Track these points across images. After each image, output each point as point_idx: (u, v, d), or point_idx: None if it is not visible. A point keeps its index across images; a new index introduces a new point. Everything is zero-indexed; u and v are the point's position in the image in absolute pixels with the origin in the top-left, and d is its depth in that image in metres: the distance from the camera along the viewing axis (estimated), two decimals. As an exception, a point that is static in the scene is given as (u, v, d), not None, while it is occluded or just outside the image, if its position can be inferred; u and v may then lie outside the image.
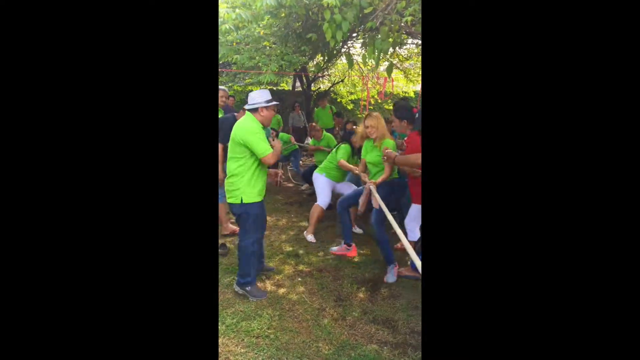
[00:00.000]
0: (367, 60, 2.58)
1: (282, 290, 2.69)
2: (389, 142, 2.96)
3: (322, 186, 3.72)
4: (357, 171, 3.28)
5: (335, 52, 5.19)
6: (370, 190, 2.77)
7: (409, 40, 7.35)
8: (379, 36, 2.39)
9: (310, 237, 3.71)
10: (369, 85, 8.73)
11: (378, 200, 2.58)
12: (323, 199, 3.69)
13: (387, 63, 8.45)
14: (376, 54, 2.42)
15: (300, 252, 3.38)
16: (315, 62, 6.65)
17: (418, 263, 1.40)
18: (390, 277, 2.89)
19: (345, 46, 5.79)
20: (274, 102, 2.50)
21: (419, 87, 10.02)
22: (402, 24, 2.20)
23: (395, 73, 9.27)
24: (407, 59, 8.75)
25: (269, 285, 2.76)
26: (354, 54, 6.55)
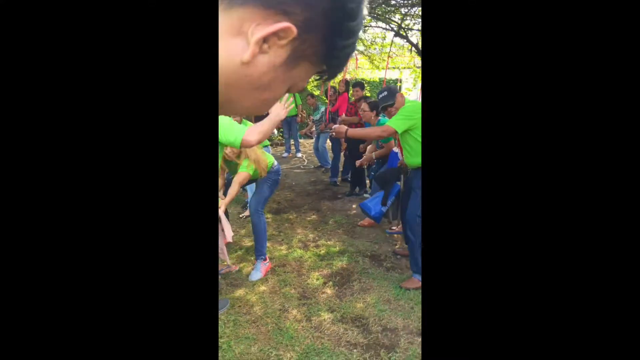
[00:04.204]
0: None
1: (239, 292, 2.38)
2: (246, 161, 2.40)
3: None
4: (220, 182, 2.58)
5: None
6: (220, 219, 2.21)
7: (373, 23, 7.17)
8: None
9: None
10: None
11: (225, 229, 2.11)
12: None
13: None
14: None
15: (262, 246, 3.08)
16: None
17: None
18: (255, 273, 2.54)
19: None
20: None
21: (384, 74, 9.90)
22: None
23: (360, 58, 9.08)
24: (372, 44, 8.55)
25: (224, 287, 2.45)
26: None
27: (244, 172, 2.37)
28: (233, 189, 2.34)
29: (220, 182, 2.57)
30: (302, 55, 0.34)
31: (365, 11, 0.36)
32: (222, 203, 2.28)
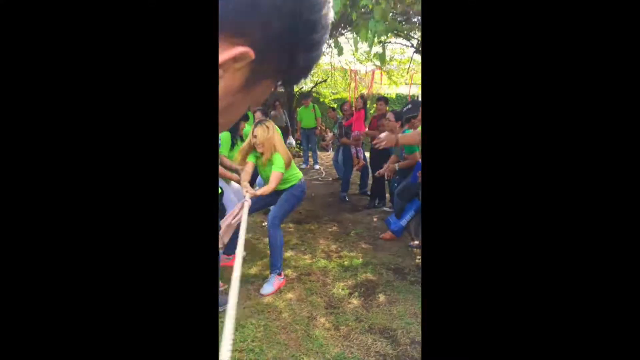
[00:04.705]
0: (358, 45, 2.35)
1: (267, 298, 2.43)
2: (278, 159, 2.45)
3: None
4: (233, 177, 2.67)
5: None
6: (243, 206, 2.12)
7: (393, 40, 7.29)
8: (374, 16, 2.18)
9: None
10: (353, 86, 8.58)
11: (242, 221, 1.95)
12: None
13: (371, 64, 8.44)
14: (370, 36, 2.20)
15: (286, 255, 3.12)
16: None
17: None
18: (268, 287, 2.51)
19: (333, 34, 5.49)
20: None
21: (401, 90, 10.00)
22: (399, 5, 2.01)
23: (378, 72, 9.21)
24: (390, 60, 8.66)
25: (251, 291, 2.49)
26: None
27: (277, 171, 2.45)
28: (269, 188, 2.43)
29: (246, 176, 2.56)
30: (262, 74, 0.32)
31: (329, 20, 0.33)
32: (251, 191, 2.33)
